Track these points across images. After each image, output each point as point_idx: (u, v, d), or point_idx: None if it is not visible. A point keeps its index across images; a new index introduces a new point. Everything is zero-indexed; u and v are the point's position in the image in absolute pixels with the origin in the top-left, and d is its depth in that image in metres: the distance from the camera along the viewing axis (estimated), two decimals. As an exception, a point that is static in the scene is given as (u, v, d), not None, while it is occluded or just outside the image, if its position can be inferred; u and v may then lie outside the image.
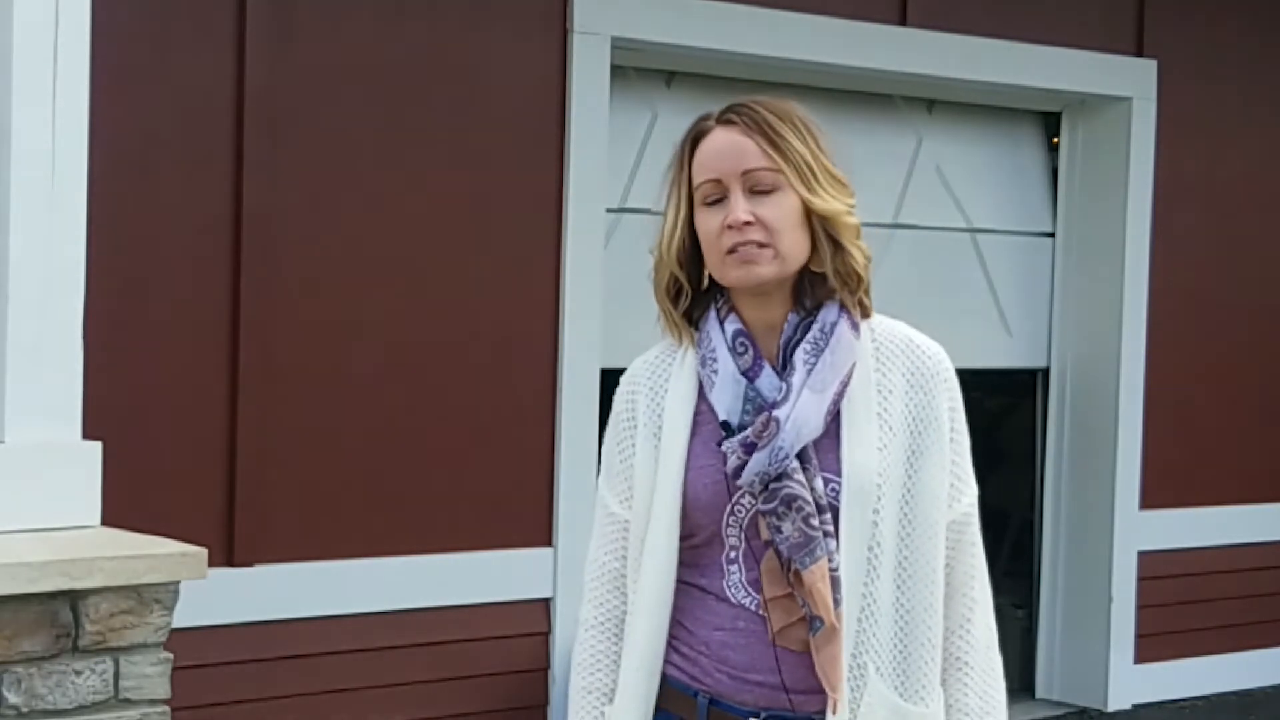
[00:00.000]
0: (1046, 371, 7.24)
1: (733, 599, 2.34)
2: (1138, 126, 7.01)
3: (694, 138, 2.41)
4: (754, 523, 2.32)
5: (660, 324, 2.45)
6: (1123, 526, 7.03)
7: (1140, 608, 7.08)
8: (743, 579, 2.34)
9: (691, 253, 2.38)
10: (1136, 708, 7.05)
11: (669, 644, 2.37)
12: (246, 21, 4.99)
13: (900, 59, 6.37)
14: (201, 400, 4.98)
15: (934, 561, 2.33)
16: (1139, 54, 7.04)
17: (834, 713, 2.27)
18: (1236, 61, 7.34)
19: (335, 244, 5.21)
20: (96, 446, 3.75)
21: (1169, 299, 7.12)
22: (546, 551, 5.63)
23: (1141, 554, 7.09)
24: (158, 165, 4.91)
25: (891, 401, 2.34)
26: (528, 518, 5.61)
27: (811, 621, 2.27)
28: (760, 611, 2.32)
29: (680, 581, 2.37)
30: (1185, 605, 7.21)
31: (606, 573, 2.45)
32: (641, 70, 6.08)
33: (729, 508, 2.33)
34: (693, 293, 2.40)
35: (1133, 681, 7.06)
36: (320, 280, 5.18)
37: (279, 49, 5.06)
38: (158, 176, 4.91)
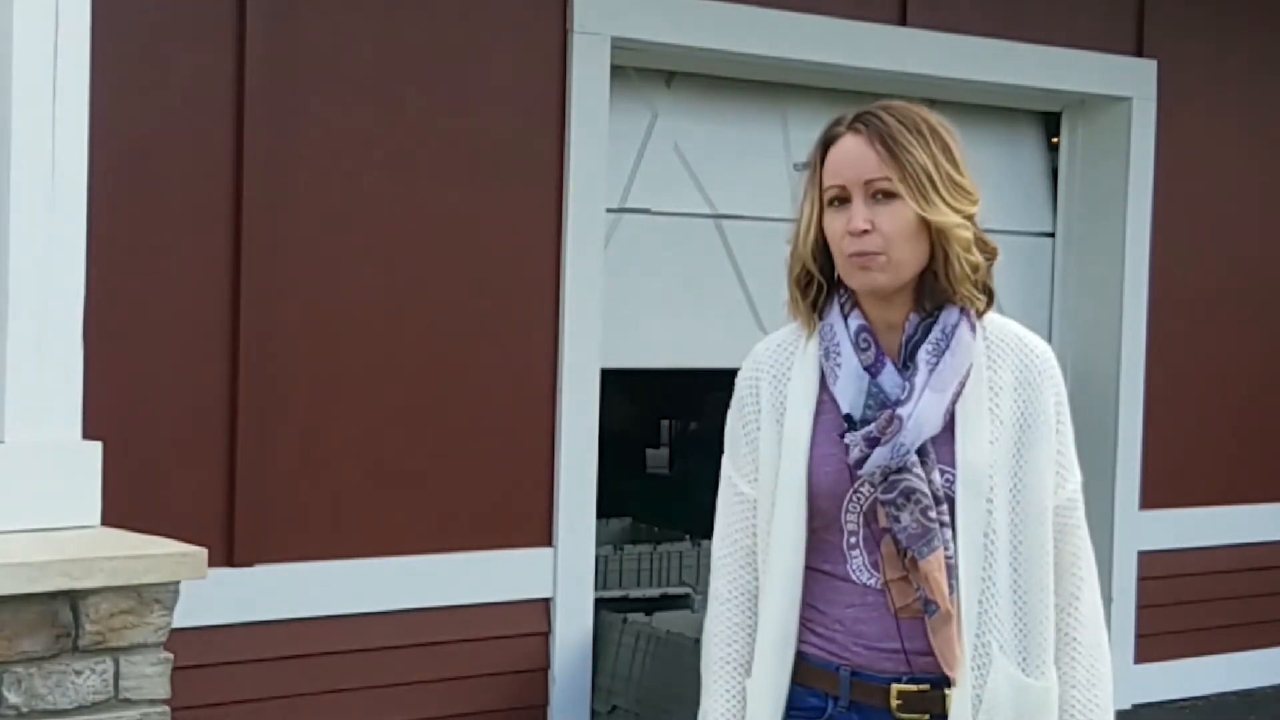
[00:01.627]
0: (1046, 371, 7.23)
1: (858, 580, 2.48)
2: (1138, 126, 7.01)
3: (826, 141, 2.52)
4: (873, 509, 2.46)
5: (788, 309, 2.58)
6: (1123, 526, 7.03)
7: (1140, 608, 7.08)
8: (865, 562, 2.48)
9: (825, 247, 2.51)
10: (1136, 708, 7.05)
11: (803, 625, 2.51)
12: (246, 19, 4.99)
13: (900, 59, 6.37)
14: (201, 400, 4.98)
15: (1045, 544, 2.48)
16: (1139, 54, 7.04)
17: (952, 688, 2.42)
18: (1237, 61, 7.34)
19: (335, 245, 5.21)
20: (96, 446, 3.75)
21: (1169, 299, 7.12)
22: (546, 551, 5.63)
23: (1141, 554, 7.09)
24: (158, 164, 4.91)
25: (1002, 398, 2.48)
26: (528, 518, 5.61)
27: (926, 605, 2.42)
28: (883, 589, 2.46)
29: (806, 566, 2.50)
30: (1185, 605, 7.21)
31: (739, 549, 2.57)
32: (641, 70, 6.08)
33: (849, 494, 2.47)
34: (826, 285, 2.53)
35: (1133, 681, 7.06)
36: (320, 280, 5.18)
37: (278, 50, 5.06)
38: (158, 176, 4.91)
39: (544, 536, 5.64)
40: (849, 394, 2.46)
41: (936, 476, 2.43)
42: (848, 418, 2.45)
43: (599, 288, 5.71)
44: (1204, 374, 7.29)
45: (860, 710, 2.48)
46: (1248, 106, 7.40)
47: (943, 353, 2.45)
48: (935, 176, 2.45)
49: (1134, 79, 7.01)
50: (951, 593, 2.41)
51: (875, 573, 2.46)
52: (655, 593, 6.41)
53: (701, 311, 6.22)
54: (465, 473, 5.46)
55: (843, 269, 2.48)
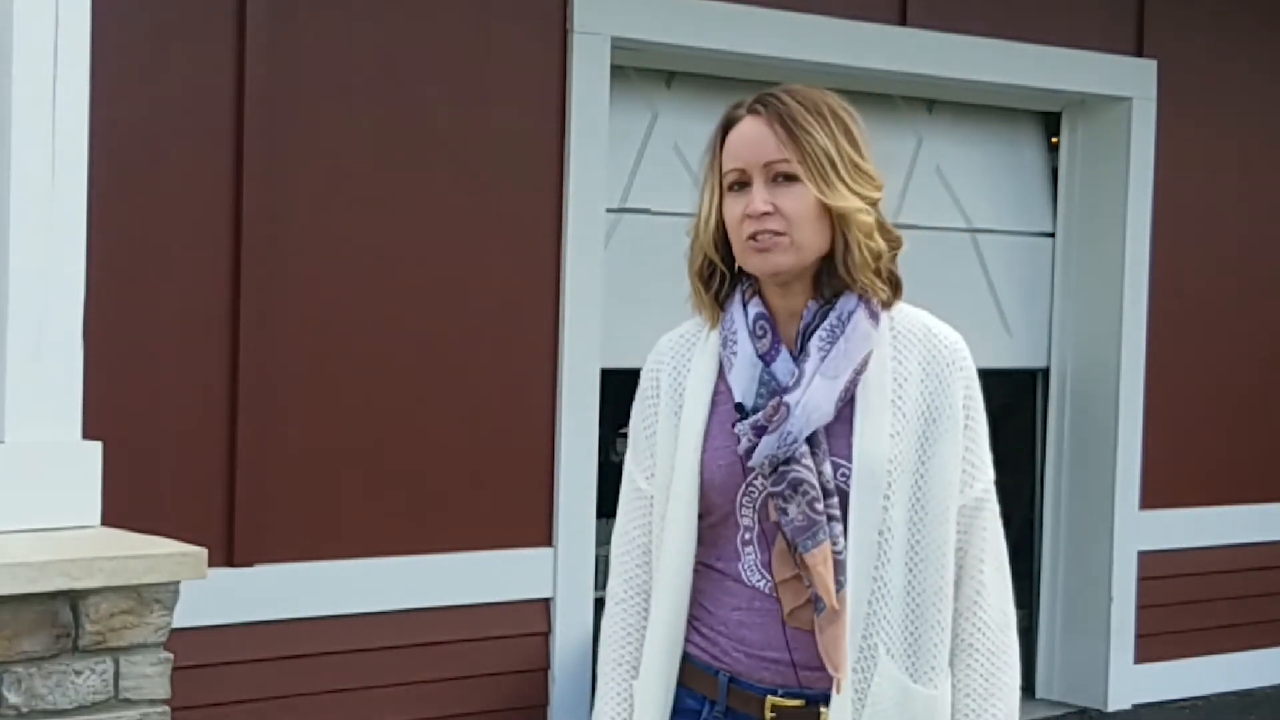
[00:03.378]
0: (1046, 371, 7.24)
1: (748, 581, 2.40)
2: (1138, 126, 7.00)
3: (725, 125, 2.45)
4: (766, 504, 2.37)
5: (690, 303, 2.50)
6: (1123, 526, 7.03)
7: (1140, 608, 7.08)
8: (757, 561, 2.39)
9: (725, 236, 2.43)
10: (1136, 708, 7.05)
11: (690, 624, 2.43)
12: (246, 21, 4.99)
13: (900, 59, 6.37)
14: (201, 400, 4.98)
15: (945, 546, 2.37)
16: (1139, 54, 7.04)
17: (838, 692, 2.32)
18: (1237, 61, 7.34)
19: (335, 244, 5.21)
20: (96, 446, 3.75)
21: (1169, 299, 7.12)
22: (546, 551, 5.63)
23: (1141, 554, 7.08)
24: (158, 165, 4.91)
25: (907, 389, 2.38)
26: (528, 518, 5.61)
27: (815, 603, 2.32)
28: (773, 593, 2.37)
29: (700, 563, 2.42)
30: (1185, 605, 7.21)
31: (634, 547, 2.52)
32: (641, 70, 6.08)
33: (743, 488, 2.39)
34: (729, 275, 2.45)
35: (1133, 681, 7.06)
36: (320, 280, 5.18)
37: (279, 48, 5.06)
38: (158, 176, 4.91)
39: (544, 536, 5.64)
40: (742, 382, 2.38)
41: (828, 468, 2.33)
42: (739, 406, 2.37)
43: (599, 288, 5.71)
44: (1203, 374, 7.29)
45: (735, 717, 2.40)
46: (1248, 106, 7.40)
47: (836, 339, 2.36)
48: (836, 160, 2.35)
49: (1134, 79, 7.01)
50: (839, 590, 2.31)
51: (766, 575, 2.37)
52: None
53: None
54: (465, 473, 5.46)
55: (741, 254, 2.39)
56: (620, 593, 2.52)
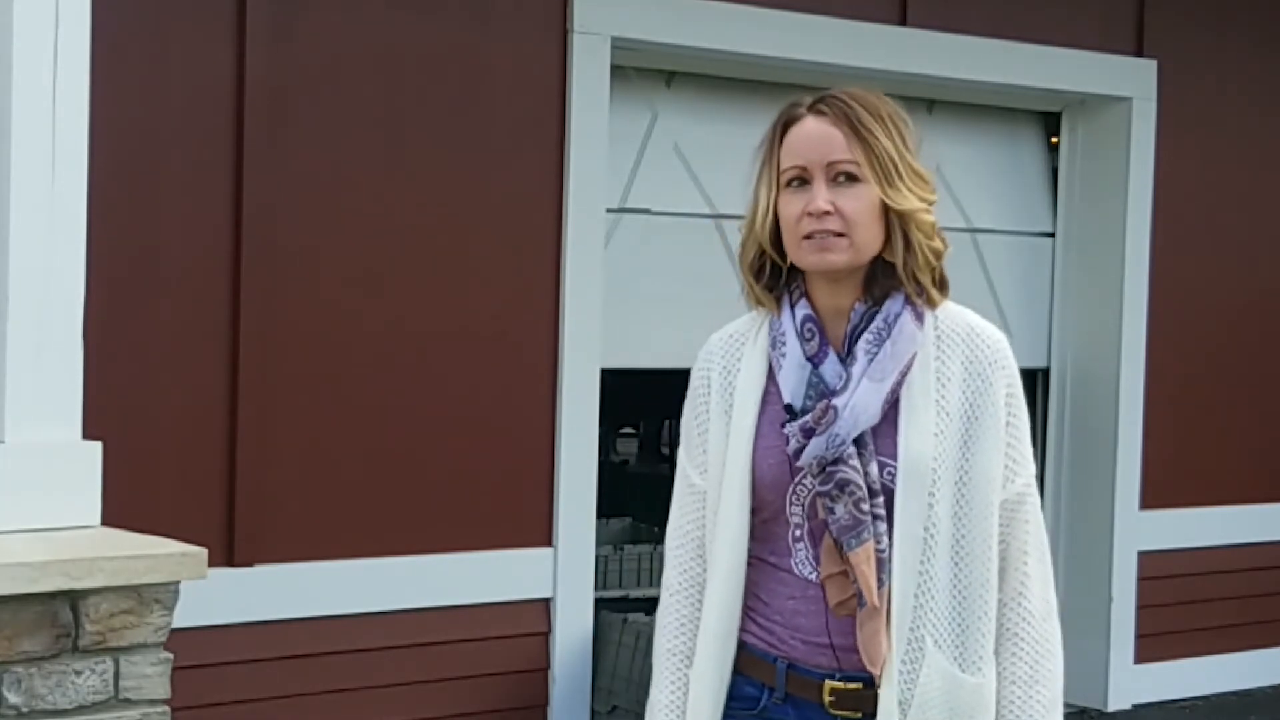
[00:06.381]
0: (1046, 371, 7.24)
1: (800, 573, 2.46)
2: (1138, 126, 7.01)
3: (785, 123, 2.48)
4: (814, 502, 2.43)
5: (745, 298, 2.56)
6: (1123, 526, 7.03)
7: (1140, 608, 7.08)
8: (809, 556, 2.45)
9: (779, 232, 2.47)
10: (1136, 708, 7.05)
11: (746, 614, 2.49)
12: (246, 20, 4.99)
13: (900, 59, 6.37)
14: (201, 400, 4.98)
15: (989, 540, 2.43)
16: (1139, 54, 7.04)
17: (878, 686, 2.39)
18: (1236, 62, 7.34)
19: (335, 244, 5.21)
20: (96, 446, 3.74)
21: (1169, 299, 7.12)
22: (546, 551, 5.63)
23: (1141, 554, 7.09)
24: (158, 165, 4.91)
25: (949, 388, 2.43)
26: (528, 518, 5.61)
27: (859, 598, 2.39)
28: (822, 583, 2.44)
29: (753, 557, 2.48)
30: (1185, 605, 7.21)
31: (689, 540, 2.56)
32: (641, 70, 6.09)
33: (792, 486, 2.45)
34: (783, 270, 2.49)
35: (1133, 681, 7.06)
36: (320, 279, 5.18)
37: (279, 48, 5.06)
38: (158, 176, 4.91)
39: (544, 536, 5.64)
40: (791, 383, 2.44)
41: (874, 469, 2.39)
42: (788, 407, 2.43)
43: (599, 288, 5.71)
44: (1204, 374, 7.29)
45: (795, 703, 2.46)
46: (1247, 106, 7.40)
47: (883, 342, 2.41)
48: (898, 162, 2.44)
49: (1134, 79, 7.01)
50: (881, 587, 2.37)
51: (818, 567, 2.44)
52: (655, 593, 6.40)
53: (701, 311, 6.20)
54: (465, 473, 5.46)
55: (795, 250, 2.43)
56: (675, 584, 2.58)
